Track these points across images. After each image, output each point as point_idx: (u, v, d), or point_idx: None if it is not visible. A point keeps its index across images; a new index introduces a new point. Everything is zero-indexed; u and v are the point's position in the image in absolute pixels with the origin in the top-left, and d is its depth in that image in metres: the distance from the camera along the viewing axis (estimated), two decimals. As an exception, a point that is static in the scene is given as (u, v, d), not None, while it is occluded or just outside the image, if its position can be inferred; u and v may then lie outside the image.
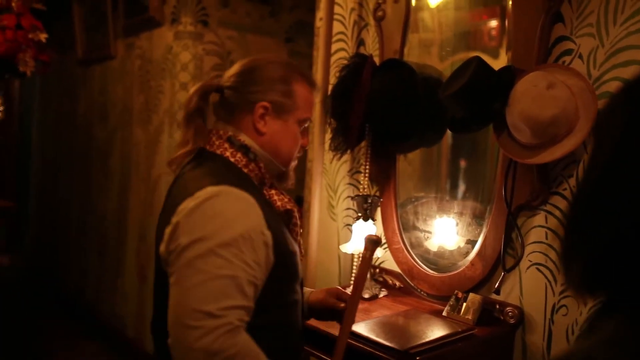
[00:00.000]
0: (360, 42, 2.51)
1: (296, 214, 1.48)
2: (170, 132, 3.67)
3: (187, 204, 1.29)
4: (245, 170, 1.42)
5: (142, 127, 4.03)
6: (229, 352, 1.17)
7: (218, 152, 1.43)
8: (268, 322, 1.33)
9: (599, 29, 1.73)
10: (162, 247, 1.32)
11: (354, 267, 2.34)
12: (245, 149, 1.43)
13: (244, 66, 1.50)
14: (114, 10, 4.21)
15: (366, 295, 2.16)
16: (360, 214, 2.22)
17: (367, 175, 2.33)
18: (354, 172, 2.51)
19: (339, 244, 2.54)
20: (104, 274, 4.52)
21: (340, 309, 1.57)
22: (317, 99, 1.53)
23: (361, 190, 2.34)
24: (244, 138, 1.44)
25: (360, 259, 1.60)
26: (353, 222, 2.30)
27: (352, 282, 2.28)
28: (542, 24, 1.82)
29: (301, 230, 1.54)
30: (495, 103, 1.82)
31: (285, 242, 1.39)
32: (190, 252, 1.23)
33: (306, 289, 1.70)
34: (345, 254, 2.49)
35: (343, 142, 2.31)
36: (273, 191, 1.47)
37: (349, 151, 2.39)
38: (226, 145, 1.42)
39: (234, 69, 1.52)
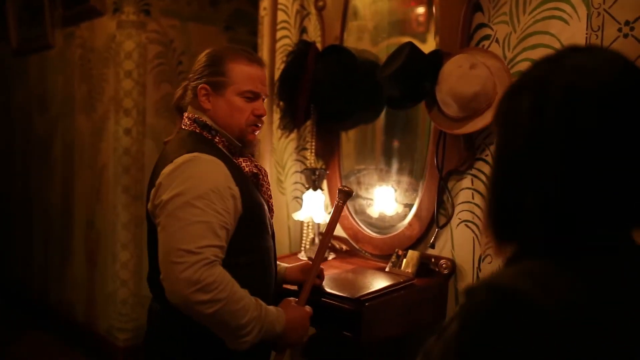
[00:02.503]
0: (303, 30, 2.74)
1: (262, 176, 1.77)
2: (117, 119, 3.77)
3: (167, 168, 1.58)
4: (215, 141, 1.71)
5: (85, 115, 4.10)
6: (207, 281, 1.44)
7: (190, 129, 1.73)
8: (244, 262, 1.62)
9: (512, 17, 2.02)
10: (150, 205, 1.61)
11: (303, 235, 2.57)
12: (207, 127, 1.71)
13: (197, 59, 1.81)
14: (51, 1, 4.24)
15: (317, 258, 2.40)
16: (308, 185, 2.46)
17: (313, 151, 2.57)
18: (300, 149, 2.74)
19: (288, 216, 2.77)
20: (50, 263, 4.57)
21: (317, 285, 1.89)
22: (264, 72, 1.76)
23: (308, 165, 2.58)
24: (205, 118, 1.72)
25: (334, 207, 1.90)
26: (301, 195, 2.54)
27: (305, 245, 2.52)
28: (464, 13, 2.10)
29: (270, 192, 1.81)
30: (426, 82, 2.09)
31: (251, 196, 1.66)
32: (171, 204, 1.52)
33: (281, 264, 1.96)
34: (295, 224, 2.73)
35: (291, 121, 2.55)
36: (241, 159, 1.74)
37: (295, 130, 2.62)
38: (195, 124, 1.72)
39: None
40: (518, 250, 0.90)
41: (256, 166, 1.76)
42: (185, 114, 1.76)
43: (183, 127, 1.74)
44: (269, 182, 1.81)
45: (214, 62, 1.73)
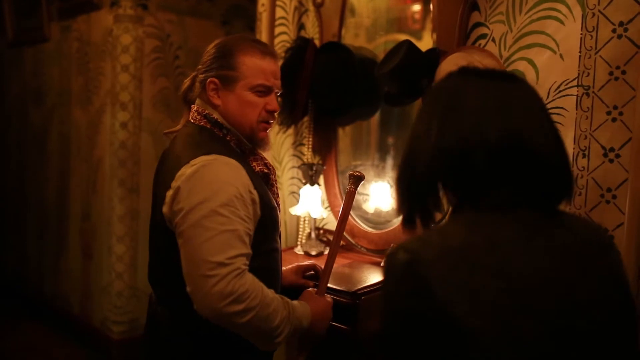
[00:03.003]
0: (301, 27, 2.76)
1: (272, 176, 1.72)
2: (113, 113, 3.78)
3: (185, 170, 1.49)
4: (227, 139, 1.64)
5: (82, 108, 4.11)
6: (240, 291, 1.41)
7: (201, 124, 1.65)
8: (257, 266, 1.53)
9: (508, 17, 2.05)
10: (165, 209, 1.52)
11: (300, 229, 2.60)
12: (219, 125, 1.64)
13: (206, 50, 1.71)
14: (47, -6, 4.25)
15: (313, 252, 2.43)
16: (305, 181, 2.49)
17: (310, 146, 2.60)
18: (297, 144, 2.77)
19: (284, 210, 2.80)
20: (45, 255, 4.58)
21: (311, 287, 1.85)
22: (277, 65, 1.68)
23: (305, 160, 2.61)
24: (216, 114, 1.64)
25: (346, 193, 1.85)
26: (298, 190, 2.56)
27: (301, 240, 2.55)
28: (461, 12, 2.13)
29: (278, 191, 1.77)
30: (423, 80, 2.11)
31: (268, 198, 1.62)
32: (196, 213, 1.44)
33: None
34: (291, 219, 2.76)
35: (288, 117, 2.57)
36: (251, 158, 1.68)
37: (293, 125, 2.65)
38: (205, 120, 1.65)
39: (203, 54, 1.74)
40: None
41: (265, 164, 1.71)
42: (194, 107, 1.68)
43: (192, 120, 1.67)
44: (277, 181, 1.77)
45: (223, 55, 1.63)
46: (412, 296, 0.98)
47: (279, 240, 1.72)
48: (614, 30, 1.79)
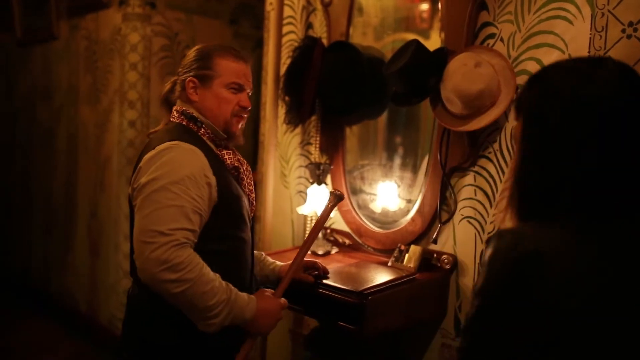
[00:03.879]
0: (309, 26, 2.76)
1: (242, 169, 1.84)
2: (121, 112, 3.80)
3: (149, 154, 1.66)
4: (200, 133, 1.78)
5: (90, 106, 4.13)
6: (175, 261, 1.51)
7: (177, 121, 1.80)
8: (216, 249, 1.68)
9: (517, 16, 2.05)
10: (129, 189, 1.70)
11: (307, 228, 2.60)
12: (193, 119, 1.79)
13: (185, 56, 1.89)
14: (56, -8, 4.27)
15: (320, 252, 2.43)
16: (313, 180, 2.49)
17: (317, 146, 2.60)
18: (304, 143, 2.77)
19: (292, 209, 2.80)
20: (52, 252, 4.60)
21: (310, 283, 1.97)
22: (249, 68, 1.86)
23: (312, 159, 2.61)
24: (192, 110, 1.80)
25: (323, 208, 1.94)
26: (305, 189, 2.56)
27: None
28: (470, 12, 2.12)
29: (252, 187, 1.89)
30: (431, 79, 2.11)
31: (228, 187, 1.73)
32: (148, 188, 1.59)
33: (276, 262, 2.02)
34: (298, 218, 2.76)
35: (296, 116, 2.57)
36: (225, 151, 1.81)
37: (300, 125, 2.65)
38: (182, 117, 1.80)
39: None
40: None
41: (238, 160, 1.84)
42: (175, 107, 1.84)
43: (171, 119, 1.82)
44: (250, 177, 1.88)
45: (202, 57, 1.81)
46: (524, 285, 0.99)
47: (247, 230, 1.82)
48: (623, 30, 1.78)
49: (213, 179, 1.67)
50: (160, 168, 1.60)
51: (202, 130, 1.78)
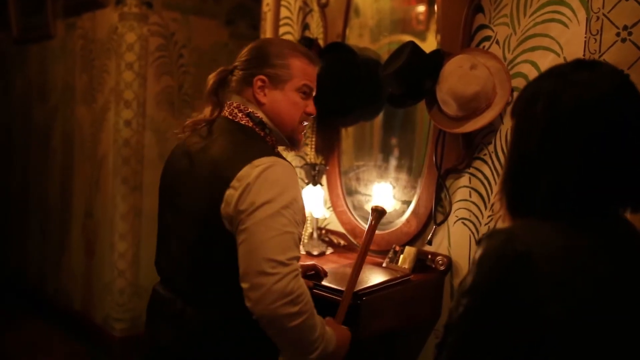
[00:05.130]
0: (305, 27, 2.77)
1: None
2: (117, 111, 3.79)
3: (250, 171, 1.48)
4: (267, 139, 1.65)
5: (86, 105, 4.12)
6: (297, 293, 1.42)
7: (242, 122, 1.64)
8: None
9: (512, 19, 2.06)
10: (228, 208, 1.49)
11: (305, 229, 2.60)
12: (262, 125, 1.65)
13: (248, 48, 1.72)
14: (53, -9, 4.27)
15: (315, 252, 2.43)
16: (308, 181, 2.50)
17: (313, 147, 2.61)
18: (300, 144, 2.77)
19: (287, 210, 2.80)
20: (47, 252, 4.59)
21: (310, 286, 1.87)
22: (317, 70, 1.73)
23: (308, 160, 2.62)
24: (260, 114, 1.64)
25: (367, 226, 1.87)
26: (302, 189, 2.56)
27: (303, 240, 2.56)
28: (466, 14, 2.13)
29: None
30: (427, 81, 2.12)
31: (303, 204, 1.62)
32: (262, 212, 1.45)
33: None
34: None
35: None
36: None
37: (296, 125, 2.65)
38: (247, 119, 1.64)
39: (242, 51, 1.73)
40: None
41: None
42: (233, 104, 1.67)
43: (230, 117, 1.65)
44: None
45: (274, 54, 1.65)
46: (512, 286, 1.00)
47: None
48: (618, 34, 1.79)
49: (302, 199, 1.57)
50: (271, 190, 1.46)
51: (268, 137, 1.65)
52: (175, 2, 3.88)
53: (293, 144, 1.73)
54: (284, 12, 2.83)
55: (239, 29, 4.16)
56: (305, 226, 2.58)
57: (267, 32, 2.84)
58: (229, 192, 1.50)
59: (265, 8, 2.89)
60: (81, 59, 4.17)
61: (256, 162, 1.49)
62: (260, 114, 1.65)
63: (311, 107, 1.71)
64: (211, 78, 1.71)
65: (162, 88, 3.88)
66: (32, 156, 4.78)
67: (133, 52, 3.74)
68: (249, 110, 1.65)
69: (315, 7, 2.69)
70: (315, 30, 2.71)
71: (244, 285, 1.45)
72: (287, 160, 1.57)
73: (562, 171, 1.06)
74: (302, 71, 1.67)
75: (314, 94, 1.73)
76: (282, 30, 2.83)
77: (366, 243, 1.84)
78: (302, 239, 2.57)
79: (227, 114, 1.67)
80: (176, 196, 1.65)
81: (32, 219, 4.78)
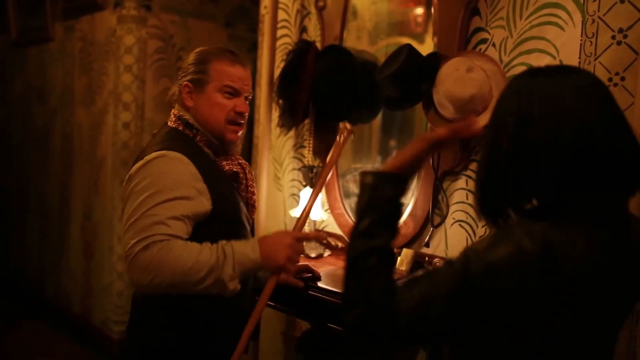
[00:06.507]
0: (303, 29, 2.77)
1: (242, 174, 1.82)
2: (116, 113, 3.80)
3: (138, 164, 1.66)
4: (197, 140, 1.76)
5: (85, 108, 4.13)
6: (143, 264, 1.53)
7: (174, 126, 1.78)
8: None
9: (509, 22, 2.06)
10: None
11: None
12: (190, 126, 1.77)
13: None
14: (51, -6, 4.27)
15: (312, 255, 2.44)
16: (306, 183, 2.50)
17: (311, 149, 2.61)
18: (298, 146, 2.78)
19: (285, 212, 2.81)
20: (47, 254, 4.60)
21: (300, 287, 1.94)
22: (247, 72, 1.81)
23: (305, 162, 2.62)
24: (188, 116, 1.77)
25: (334, 144, 1.90)
26: (298, 192, 2.57)
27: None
28: (462, 17, 2.14)
29: (253, 189, 1.87)
30: (424, 84, 2.12)
31: (223, 194, 1.72)
32: (132, 199, 1.60)
33: None
34: (291, 221, 2.77)
35: (289, 119, 2.58)
36: (222, 157, 1.79)
37: (294, 128, 2.66)
38: (179, 122, 1.78)
39: None
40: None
41: (239, 164, 1.82)
42: (173, 111, 1.82)
43: (169, 122, 1.80)
44: (252, 179, 1.86)
45: (199, 61, 1.77)
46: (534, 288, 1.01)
47: (247, 234, 1.81)
48: (613, 37, 1.80)
49: (203, 187, 1.65)
50: (145, 178, 1.60)
51: (199, 137, 1.76)
52: (173, 4, 3.89)
53: (224, 144, 1.79)
54: (281, 15, 2.83)
55: (237, 32, 4.17)
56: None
57: (265, 34, 2.85)
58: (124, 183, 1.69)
59: (263, 11, 2.90)
60: (80, 62, 4.18)
61: (147, 156, 1.64)
62: (187, 116, 1.77)
63: (241, 106, 1.77)
64: (172, 90, 1.88)
65: (160, 90, 3.88)
66: (31, 158, 4.79)
67: (132, 54, 3.75)
68: (180, 114, 1.78)
69: (313, 10, 2.69)
70: (313, 33, 2.72)
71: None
72: (184, 154, 1.65)
73: (533, 174, 1.07)
74: (223, 73, 1.75)
75: (245, 94, 1.78)
76: (279, 32, 2.84)
77: (333, 160, 1.88)
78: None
79: (168, 121, 1.82)
80: None
81: (32, 220, 4.79)
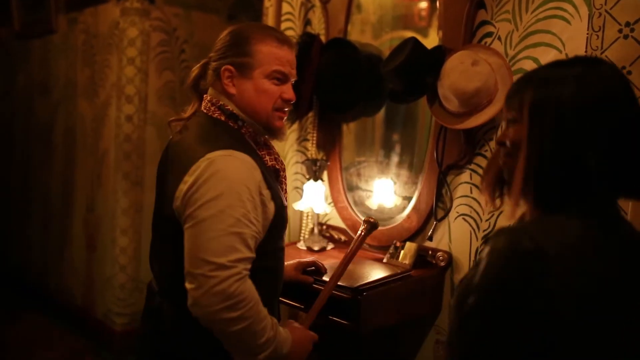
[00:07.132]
0: (307, 22, 2.76)
1: (282, 172, 1.68)
2: (119, 105, 3.79)
3: (200, 164, 1.45)
4: (242, 132, 1.60)
5: (88, 100, 4.13)
6: (240, 297, 1.38)
7: (215, 116, 1.60)
8: (260, 266, 1.50)
9: (514, 15, 2.05)
10: (178, 202, 1.47)
11: (303, 224, 2.61)
12: (234, 117, 1.59)
13: (220, 36, 1.65)
14: (55, -14, 4.27)
15: (316, 248, 2.44)
16: (309, 176, 2.50)
17: (314, 142, 2.61)
18: (301, 140, 2.78)
19: (288, 205, 2.80)
20: (49, 247, 4.60)
21: (309, 284, 1.91)
22: (293, 54, 1.63)
23: (309, 155, 2.62)
24: (231, 106, 1.59)
25: (356, 237, 1.91)
26: (302, 185, 2.57)
27: (304, 235, 2.57)
28: (467, 10, 2.13)
29: (286, 187, 1.73)
30: (429, 77, 2.12)
31: (279, 197, 1.59)
32: (205, 211, 1.41)
33: None
34: (294, 214, 2.76)
35: (293, 112, 2.57)
36: (264, 151, 1.64)
37: (297, 121, 2.66)
38: (220, 112, 1.60)
39: (217, 40, 1.67)
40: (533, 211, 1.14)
41: (276, 159, 1.67)
42: (207, 97, 1.63)
43: (205, 111, 1.62)
44: (286, 177, 1.73)
45: (239, 42, 1.58)
46: (524, 283, 0.99)
47: (284, 239, 1.71)
48: (620, 31, 1.79)
49: (268, 195, 1.51)
50: (218, 186, 1.42)
51: (244, 129, 1.59)
52: (177, -3, 3.89)
53: (272, 134, 1.66)
54: (285, 8, 2.83)
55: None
56: (305, 222, 2.59)
57: (269, 27, 2.83)
58: (180, 187, 1.47)
59: (267, 3, 2.89)
60: (83, 54, 4.17)
61: (209, 155, 1.46)
62: (230, 106, 1.60)
63: (288, 93, 1.62)
64: (193, 71, 1.69)
65: (163, 83, 3.88)
66: (33, 151, 4.79)
67: (135, 47, 3.74)
68: (220, 103, 1.61)
69: (317, 3, 2.68)
70: (317, 26, 2.71)
71: (186, 285, 1.42)
72: (249, 154, 1.51)
73: (581, 165, 1.06)
74: (272, 56, 1.58)
75: (292, 79, 1.64)
76: (283, 25, 2.83)
77: (351, 254, 1.85)
78: (303, 235, 2.58)
79: (203, 108, 1.63)
80: (157, 190, 1.66)
81: (34, 213, 4.79)
